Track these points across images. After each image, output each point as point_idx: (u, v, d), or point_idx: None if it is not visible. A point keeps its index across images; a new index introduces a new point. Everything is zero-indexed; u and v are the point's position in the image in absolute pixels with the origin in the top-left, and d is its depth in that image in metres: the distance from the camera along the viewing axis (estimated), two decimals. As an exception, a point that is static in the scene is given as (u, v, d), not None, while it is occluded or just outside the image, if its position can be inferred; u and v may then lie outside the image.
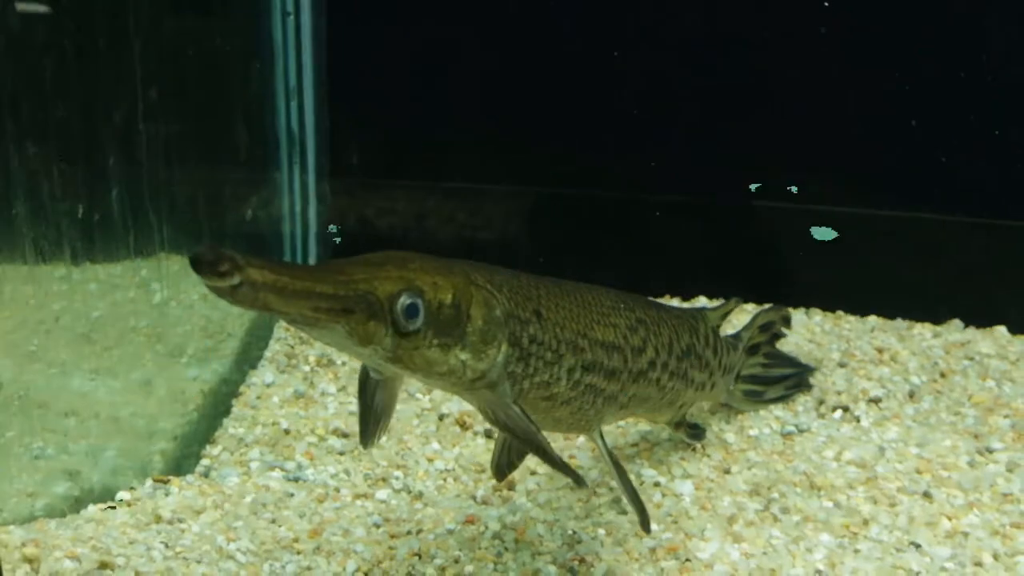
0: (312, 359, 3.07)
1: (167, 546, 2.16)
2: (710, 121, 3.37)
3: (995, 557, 2.16)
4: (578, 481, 1.83)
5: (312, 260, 3.66)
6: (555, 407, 1.94)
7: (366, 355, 1.67)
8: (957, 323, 3.31)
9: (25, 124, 2.24)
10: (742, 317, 3.05)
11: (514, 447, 2.19)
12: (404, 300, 1.64)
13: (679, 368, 2.28)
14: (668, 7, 3.33)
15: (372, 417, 1.96)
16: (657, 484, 2.45)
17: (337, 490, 2.44)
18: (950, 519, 2.29)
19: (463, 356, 1.73)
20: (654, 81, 3.38)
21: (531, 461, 2.54)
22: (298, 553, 2.18)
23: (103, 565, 2.05)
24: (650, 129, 3.41)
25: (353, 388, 2.91)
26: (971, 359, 3.08)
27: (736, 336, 2.70)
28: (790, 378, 2.85)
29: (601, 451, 2.10)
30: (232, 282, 1.47)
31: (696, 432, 2.58)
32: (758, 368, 2.79)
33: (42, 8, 2.28)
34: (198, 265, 1.45)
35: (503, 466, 2.23)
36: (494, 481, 2.46)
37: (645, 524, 2.06)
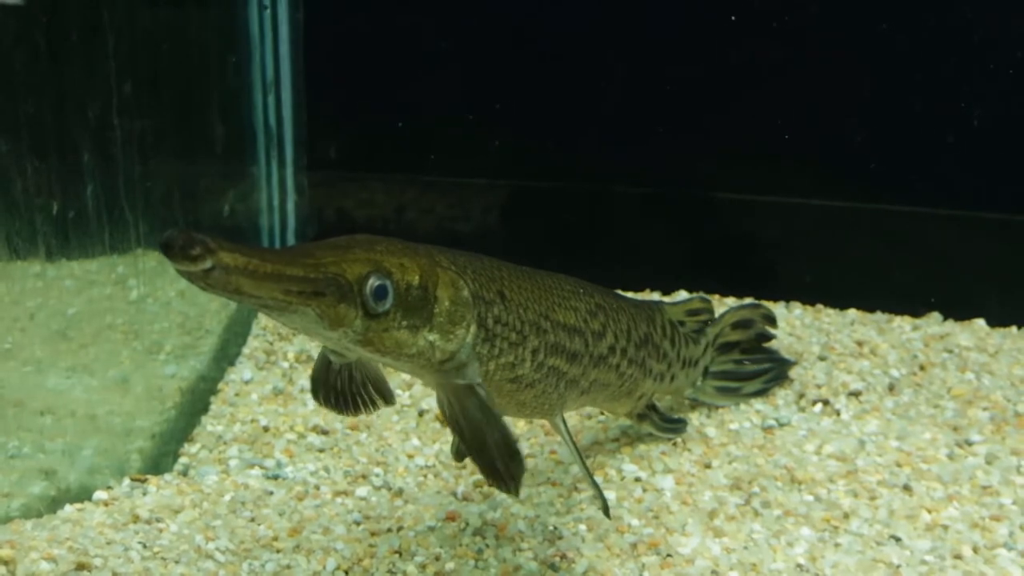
0: (291, 355, 3.05)
1: (145, 546, 2.14)
2: (689, 115, 3.37)
3: (975, 550, 2.17)
4: (515, 490, 1.79)
5: (290, 255, 3.63)
6: (520, 390, 1.95)
7: (336, 339, 1.66)
8: (936, 316, 3.32)
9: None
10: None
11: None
12: (373, 282, 1.65)
13: (637, 356, 2.30)
14: (645, 1, 3.32)
15: (365, 390, 1.97)
16: (638, 479, 2.44)
17: (317, 487, 2.43)
18: (930, 512, 2.30)
19: (431, 337, 1.73)
20: (634, 74, 3.37)
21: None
22: (278, 552, 2.17)
23: (80, 566, 2.03)
24: (630, 122, 3.40)
25: (333, 384, 2.90)
26: (950, 352, 3.09)
27: (700, 331, 2.71)
28: (767, 372, 2.85)
29: (563, 436, 2.11)
30: (204, 266, 1.46)
31: (676, 426, 2.59)
32: (730, 365, 2.80)
33: (13, 0, 2.25)
34: (169, 250, 1.45)
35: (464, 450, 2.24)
36: (475, 477, 2.46)
37: (606, 509, 2.13)
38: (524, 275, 2.00)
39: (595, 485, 2.12)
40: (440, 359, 1.76)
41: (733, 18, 3.27)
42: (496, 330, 1.85)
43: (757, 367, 2.84)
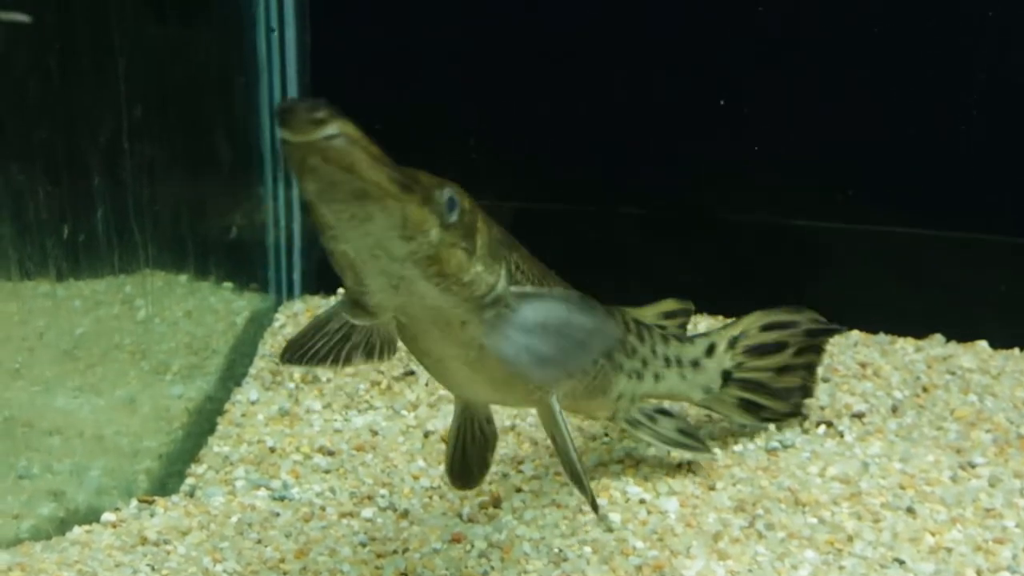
0: (297, 376, 3.06)
1: (153, 568, 2.15)
2: (695, 135, 3.38)
3: (978, 573, 2.18)
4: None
5: (297, 274, 3.66)
6: None
7: (405, 255, 1.62)
8: (939, 338, 3.33)
9: (10, 144, 2.23)
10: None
11: (470, 449, 2.21)
12: (447, 191, 1.65)
13: None
14: (653, 20, 3.34)
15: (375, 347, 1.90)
16: (643, 501, 2.45)
17: (323, 509, 2.44)
18: (933, 535, 2.31)
19: (478, 267, 1.74)
20: (639, 95, 3.39)
21: (517, 480, 2.56)
22: (284, 574, 2.18)
23: (89, 588, 2.05)
24: (635, 143, 3.42)
25: (339, 405, 2.91)
26: (953, 373, 3.10)
27: (705, 332, 2.70)
28: (798, 392, 2.75)
29: (558, 419, 2.09)
30: (327, 132, 1.42)
31: (688, 441, 2.53)
32: (768, 374, 2.70)
33: (22, 17, 2.27)
34: (292, 114, 1.41)
35: (458, 471, 2.24)
36: (480, 499, 2.47)
37: (595, 507, 2.12)
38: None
39: (584, 482, 2.08)
40: (482, 292, 1.77)
41: (740, 39, 3.30)
42: (517, 276, 1.88)
43: (784, 385, 2.72)
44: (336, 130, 1.43)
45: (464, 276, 1.72)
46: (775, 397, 2.73)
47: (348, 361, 1.89)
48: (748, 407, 2.70)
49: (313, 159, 1.45)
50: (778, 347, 2.71)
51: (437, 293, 1.72)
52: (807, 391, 2.78)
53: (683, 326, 2.69)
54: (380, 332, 1.88)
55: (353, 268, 1.67)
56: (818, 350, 2.78)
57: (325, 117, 1.42)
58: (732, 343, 2.68)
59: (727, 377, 2.67)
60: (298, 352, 1.91)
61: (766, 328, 2.72)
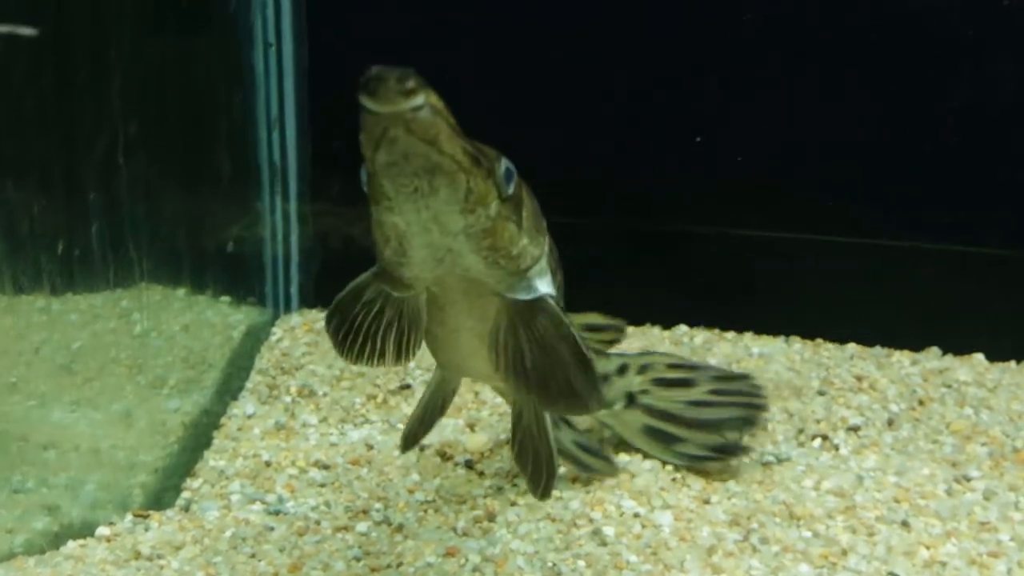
0: (293, 390, 3.06)
1: (146, 582, 2.16)
2: (688, 149, 3.39)
3: (972, 587, 2.18)
4: (596, 402, 1.78)
5: (295, 288, 3.67)
6: None
7: (460, 228, 1.59)
8: (935, 351, 3.33)
9: (4, 159, 2.24)
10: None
11: (428, 418, 2.26)
12: (505, 163, 1.63)
13: None
14: (645, 40, 3.35)
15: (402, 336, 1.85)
16: (637, 515, 2.45)
17: (318, 523, 2.44)
18: (928, 548, 2.31)
19: (525, 240, 1.71)
20: (634, 109, 3.40)
21: (512, 494, 2.55)
22: (278, 588, 2.18)
23: (82, 602, 2.05)
24: (627, 157, 3.42)
25: (335, 419, 2.92)
26: (949, 387, 3.10)
27: (623, 353, 2.70)
28: (723, 424, 2.65)
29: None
30: (415, 103, 1.38)
31: (585, 458, 2.55)
32: (678, 405, 2.66)
33: (25, 29, 2.29)
34: (381, 83, 1.36)
35: (413, 438, 2.28)
36: (475, 512, 2.47)
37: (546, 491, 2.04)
38: None
39: (555, 463, 2.02)
40: (527, 265, 1.74)
41: (721, 53, 3.31)
42: (553, 250, 1.88)
43: (706, 416, 2.65)
44: (423, 100, 1.39)
45: (514, 249, 1.68)
46: (695, 428, 2.65)
47: (383, 355, 1.85)
48: (656, 436, 2.66)
49: (396, 130, 1.41)
50: (685, 383, 2.70)
51: (483, 267, 1.69)
52: (748, 420, 2.68)
53: (611, 343, 2.66)
54: (409, 307, 1.82)
55: (400, 240, 1.63)
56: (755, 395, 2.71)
57: (415, 87, 1.37)
58: (642, 369, 2.68)
59: (631, 399, 2.66)
60: (343, 329, 1.87)
61: (672, 367, 2.73)
